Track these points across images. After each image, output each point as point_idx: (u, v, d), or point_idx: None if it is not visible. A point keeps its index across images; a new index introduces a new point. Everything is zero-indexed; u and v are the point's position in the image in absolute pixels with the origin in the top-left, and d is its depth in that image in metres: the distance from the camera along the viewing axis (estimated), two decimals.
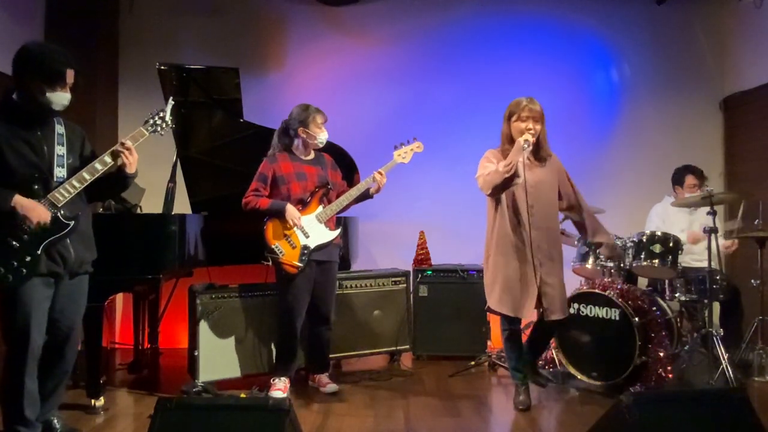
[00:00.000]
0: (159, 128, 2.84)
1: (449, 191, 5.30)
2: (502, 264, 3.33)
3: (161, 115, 2.85)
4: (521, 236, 3.29)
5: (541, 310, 3.31)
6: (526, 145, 3.15)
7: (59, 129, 2.72)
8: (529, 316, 3.35)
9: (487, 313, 4.49)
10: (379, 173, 3.69)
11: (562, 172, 3.45)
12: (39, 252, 2.57)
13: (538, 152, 3.34)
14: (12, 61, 2.63)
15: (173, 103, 2.96)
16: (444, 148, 5.24)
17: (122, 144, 2.72)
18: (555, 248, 3.37)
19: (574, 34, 5.43)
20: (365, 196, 3.74)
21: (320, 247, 3.62)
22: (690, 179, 4.49)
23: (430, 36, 5.41)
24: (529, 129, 3.22)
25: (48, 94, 2.59)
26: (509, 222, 3.31)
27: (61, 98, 2.62)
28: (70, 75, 2.62)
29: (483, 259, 3.48)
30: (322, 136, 3.69)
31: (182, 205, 4.18)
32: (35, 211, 2.53)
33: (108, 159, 2.70)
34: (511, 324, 3.39)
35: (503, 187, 3.18)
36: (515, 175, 3.12)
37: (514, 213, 3.30)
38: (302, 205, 3.62)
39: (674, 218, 4.48)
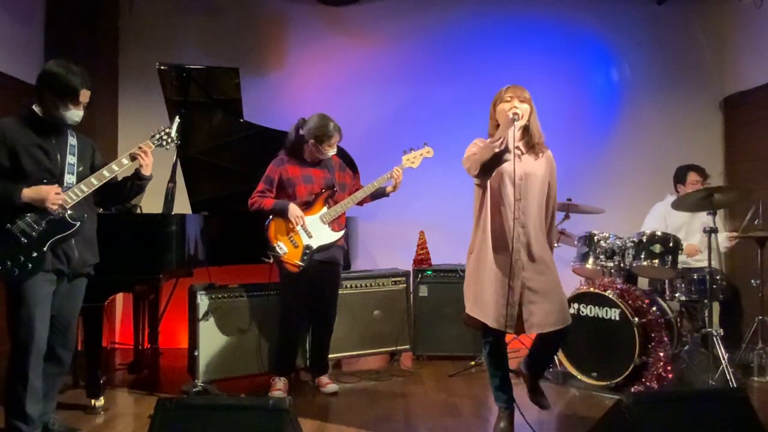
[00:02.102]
0: (165, 143, 3.02)
1: (449, 191, 5.28)
2: (481, 265, 2.91)
3: (167, 131, 3.03)
4: (505, 234, 2.87)
5: (516, 323, 2.85)
6: (515, 118, 2.79)
7: (72, 140, 2.89)
8: (503, 326, 2.85)
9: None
10: (397, 170, 3.71)
11: (553, 169, 3.04)
12: (45, 249, 2.70)
13: (530, 141, 2.97)
14: (37, 77, 2.82)
15: (179, 120, 3.21)
16: (444, 148, 5.19)
17: (139, 147, 2.90)
18: (544, 250, 2.93)
19: (574, 34, 5.42)
20: (381, 194, 3.76)
21: (323, 248, 3.62)
22: (693, 176, 4.48)
23: (430, 36, 5.41)
24: (515, 107, 2.86)
25: (61, 110, 2.77)
26: (493, 217, 2.90)
27: (73, 115, 2.81)
28: (84, 95, 2.81)
29: (466, 258, 3.06)
30: (330, 153, 3.68)
31: (182, 205, 4.18)
32: (47, 198, 2.67)
33: (125, 161, 2.89)
34: (492, 335, 2.93)
35: (491, 164, 2.80)
36: (505, 150, 2.77)
37: (499, 206, 2.89)
38: (306, 206, 3.63)
39: (675, 217, 4.48)
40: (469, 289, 2.96)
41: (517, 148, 2.92)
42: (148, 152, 2.91)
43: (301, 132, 3.66)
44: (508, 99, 2.91)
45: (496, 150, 2.76)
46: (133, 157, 2.89)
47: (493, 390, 3.07)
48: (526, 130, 2.96)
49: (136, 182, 2.98)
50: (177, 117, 3.27)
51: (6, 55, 4.23)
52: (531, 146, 2.98)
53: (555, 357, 4.04)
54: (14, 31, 4.39)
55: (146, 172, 2.95)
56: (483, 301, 2.87)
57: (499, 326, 2.84)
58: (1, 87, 4.17)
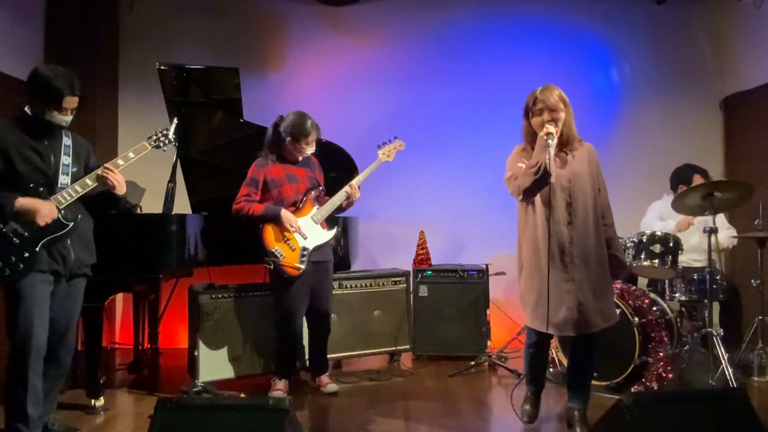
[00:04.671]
0: (162, 144, 3.02)
1: (449, 191, 5.30)
2: (537, 274, 2.91)
3: (165, 132, 3.03)
4: (558, 240, 2.87)
5: (576, 324, 2.89)
6: (550, 140, 2.76)
7: (66, 141, 2.88)
8: (566, 331, 2.92)
9: (487, 310, 4.52)
10: (351, 187, 3.64)
11: (598, 165, 3.01)
12: (37, 249, 2.69)
13: (566, 142, 2.93)
14: (27, 79, 2.80)
15: (177, 122, 3.18)
16: (444, 148, 5.25)
17: (104, 168, 2.83)
18: (598, 250, 2.92)
19: (574, 34, 5.42)
20: (339, 209, 3.72)
21: (318, 248, 3.62)
22: (698, 179, 4.39)
23: (430, 36, 5.41)
24: (548, 121, 2.82)
25: (47, 114, 2.75)
26: (545, 225, 2.87)
27: (59, 119, 2.79)
28: (70, 101, 2.77)
29: (517, 269, 3.07)
30: (308, 151, 3.68)
31: (182, 205, 4.18)
32: (39, 213, 2.67)
33: (89, 182, 2.81)
34: (539, 338, 3.02)
35: (535, 189, 2.81)
36: (546, 174, 2.73)
37: (550, 214, 2.86)
38: (295, 207, 3.62)
39: (674, 216, 4.48)
40: (526, 300, 2.98)
41: (557, 153, 2.90)
42: (115, 171, 2.82)
43: (279, 129, 3.65)
44: (539, 112, 2.87)
45: (536, 177, 2.76)
46: (100, 179, 2.81)
47: (525, 377, 3.24)
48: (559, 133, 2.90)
49: (111, 198, 2.91)
50: (175, 118, 3.24)
51: (6, 55, 4.23)
52: (569, 147, 2.95)
53: (556, 357, 4.04)
54: (14, 31, 4.39)
55: (119, 191, 2.86)
56: (541, 311, 2.87)
57: (558, 332, 2.93)
58: (1, 87, 4.16)
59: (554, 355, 4.08)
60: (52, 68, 2.76)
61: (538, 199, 2.90)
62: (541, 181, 2.77)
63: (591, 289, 2.89)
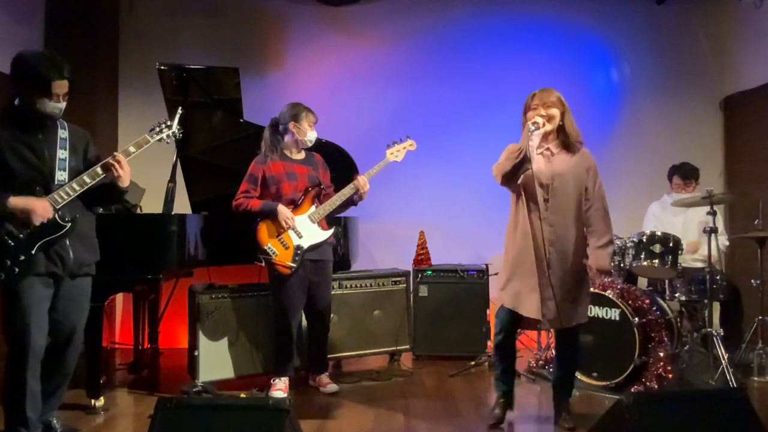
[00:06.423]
0: (165, 136, 2.89)
1: (449, 191, 5.31)
2: (513, 257, 3.10)
3: (168, 123, 2.90)
4: (535, 231, 3.02)
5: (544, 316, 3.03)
6: (533, 128, 2.94)
7: (62, 133, 2.74)
8: (528, 313, 3.04)
9: (488, 310, 4.52)
10: (362, 178, 3.63)
11: (591, 169, 3.11)
12: (33, 252, 2.60)
13: (566, 140, 3.07)
14: (10, 68, 2.65)
15: (182, 112, 3.09)
16: (444, 148, 5.25)
17: (113, 157, 2.70)
18: (576, 250, 3.05)
19: (574, 34, 5.42)
20: (350, 203, 3.70)
21: (313, 247, 3.61)
22: (675, 179, 4.57)
23: (430, 36, 5.41)
24: (540, 114, 3.00)
25: (38, 104, 2.61)
26: (525, 215, 3.06)
27: (51, 107, 2.64)
28: (60, 86, 2.61)
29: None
30: (312, 135, 3.68)
31: (182, 205, 4.17)
32: (34, 213, 2.56)
33: (99, 171, 2.70)
34: (505, 325, 3.11)
35: (512, 173, 2.99)
36: (524, 160, 2.92)
37: (529, 206, 3.04)
38: (294, 205, 3.62)
39: (669, 216, 4.50)
40: (500, 278, 3.17)
41: (548, 149, 3.08)
42: (123, 162, 2.69)
43: (279, 127, 3.66)
44: (534, 107, 3.06)
45: (516, 161, 2.94)
46: (106, 168, 2.68)
47: (494, 379, 3.30)
48: (560, 130, 3.07)
49: (113, 191, 2.80)
50: (180, 108, 3.15)
51: (6, 55, 4.20)
52: (566, 145, 3.09)
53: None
54: (14, 31, 4.39)
55: (123, 183, 2.74)
56: (510, 290, 3.08)
57: (522, 312, 3.04)
58: (1, 87, 4.17)
59: (554, 355, 4.08)
60: (35, 53, 2.62)
61: (522, 191, 3.07)
62: (519, 165, 2.95)
63: (564, 286, 3.02)
